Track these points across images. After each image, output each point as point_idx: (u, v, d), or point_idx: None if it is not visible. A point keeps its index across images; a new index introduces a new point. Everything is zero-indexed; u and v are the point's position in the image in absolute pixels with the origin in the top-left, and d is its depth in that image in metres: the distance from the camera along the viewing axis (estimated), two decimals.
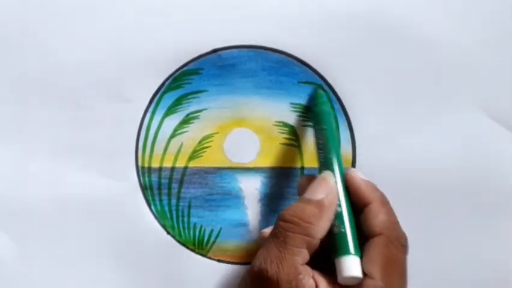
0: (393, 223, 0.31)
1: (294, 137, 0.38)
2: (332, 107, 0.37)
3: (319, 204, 0.30)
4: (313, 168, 0.38)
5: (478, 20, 0.38)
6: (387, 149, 0.38)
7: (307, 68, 0.38)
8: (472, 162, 0.38)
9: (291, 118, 0.38)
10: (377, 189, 0.32)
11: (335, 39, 0.37)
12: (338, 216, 0.31)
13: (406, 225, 0.38)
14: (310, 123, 0.38)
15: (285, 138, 0.38)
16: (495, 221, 0.38)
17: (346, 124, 0.38)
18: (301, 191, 0.33)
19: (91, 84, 0.37)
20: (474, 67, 0.38)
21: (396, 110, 0.38)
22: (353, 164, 0.38)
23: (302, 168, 0.38)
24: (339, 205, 0.31)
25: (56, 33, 0.37)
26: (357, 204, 0.32)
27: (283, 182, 0.38)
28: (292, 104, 0.38)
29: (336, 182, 0.32)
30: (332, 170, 0.32)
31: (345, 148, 0.38)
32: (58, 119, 0.37)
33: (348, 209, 0.31)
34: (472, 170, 0.38)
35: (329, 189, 0.31)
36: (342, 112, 0.38)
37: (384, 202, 0.32)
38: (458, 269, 0.38)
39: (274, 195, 0.38)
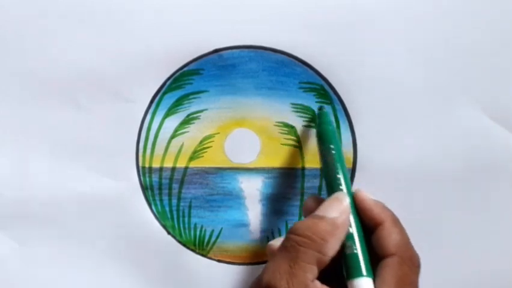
0: (406, 243, 0.31)
1: (295, 138, 0.38)
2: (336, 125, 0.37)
3: (332, 223, 0.30)
4: (314, 169, 0.38)
5: (478, 20, 0.38)
6: (387, 149, 0.38)
7: (308, 68, 0.37)
8: (471, 162, 0.38)
9: (292, 118, 0.38)
10: (387, 209, 0.32)
11: (336, 39, 0.37)
12: (350, 237, 0.31)
13: (407, 225, 0.38)
14: (311, 124, 0.38)
15: (285, 138, 0.38)
16: (496, 221, 0.38)
17: (347, 124, 0.38)
18: (307, 211, 0.33)
19: (91, 84, 0.37)
20: (474, 67, 0.38)
21: (396, 110, 0.38)
22: (354, 164, 0.38)
23: (303, 168, 0.38)
24: (350, 225, 0.31)
25: (56, 34, 0.37)
26: (368, 225, 0.31)
27: (284, 183, 0.38)
28: (293, 104, 0.38)
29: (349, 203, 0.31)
30: (341, 191, 0.32)
31: (346, 148, 0.38)
32: (58, 119, 0.37)
33: (359, 230, 0.31)
34: (472, 170, 0.38)
35: (343, 209, 0.31)
36: (343, 112, 0.38)
37: (396, 221, 0.31)
38: (459, 268, 0.38)
39: (275, 196, 0.38)
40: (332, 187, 0.33)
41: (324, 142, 0.34)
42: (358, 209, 0.32)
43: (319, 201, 0.32)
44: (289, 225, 0.38)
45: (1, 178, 0.37)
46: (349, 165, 0.38)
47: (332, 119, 0.36)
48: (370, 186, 0.37)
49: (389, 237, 0.30)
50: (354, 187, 0.37)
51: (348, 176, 0.33)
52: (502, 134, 0.38)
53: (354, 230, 0.31)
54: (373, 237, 0.31)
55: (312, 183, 0.38)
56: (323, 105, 0.37)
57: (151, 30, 0.37)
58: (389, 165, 0.38)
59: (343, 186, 0.32)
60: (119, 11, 0.37)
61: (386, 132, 0.38)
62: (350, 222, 0.31)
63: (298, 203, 0.38)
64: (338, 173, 0.33)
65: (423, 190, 0.38)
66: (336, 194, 0.32)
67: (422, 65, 0.38)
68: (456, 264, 0.38)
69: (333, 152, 0.34)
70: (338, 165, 0.33)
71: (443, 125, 0.38)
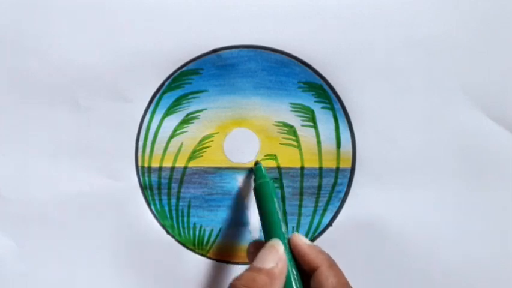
0: (344, 284, 0.31)
1: (294, 137, 0.38)
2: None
3: (270, 273, 0.30)
4: (313, 168, 0.38)
5: (479, 20, 0.38)
6: (386, 148, 0.38)
7: (307, 68, 0.37)
8: (471, 161, 0.38)
9: (291, 118, 0.38)
10: (322, 252, 0.32)
11: (335, 39, 0.37)
12: (288, 283, 0.31)
13: (406, 225, 0.38)
14: (310, 124, 0.38)
15: (284, 138, 0.38)
16: (495, 220, 0.38)
17: (346, 124, 0.38)
18: (251, 257, 0.33)
19: (91, 84, 0.37)
20: (474, 67, 0.38)
21: (396, 109, 0.38)
22: (353, 164, 0.38)
23: (302, 168, 0.38)
24: (288, 272, 0.31)
25: (56, 34, 0.37)
26: (305, 270, 0.31)
27: (283, 182, 0.38)
28: (292, 104, 0.38)
29: (285, 250, 0.31)
30: (278, 236, 0.32)
31: (346, 148, 0.38)
32: (58, 119, 0.37)
33: (297, 276, 0.31)
34: (471, 169, 0.38)
35: (279, 257, 0.31)
36: (342, 112, 0.38)
37: (332, 264, 0.31)
38: (458, 265, 0.38)
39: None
40: (268, 233, 0.33)
41: (263, 194, 0.34)
42: (294, 254, 0.32)
43: (259, 247, 0.32)
44: (288, 224, 0.38)
45: (1, 178, 0.37)
46: (348, 164, 0.38)
47: (265, 172, 0.36)
48: (369, 185, 0.38)
49: (326, 281, 0.30)
50: (354, 187, 0.38)
51: (285, 224, 0.33)
52: (502, 134, 0.38)
53: (292, 277, 0.31)
54: (311, 282, 0.31)
55: (311, 183, 0.38)
56: (257, 160, 0.38)
57: (150, 30, 0.37)
58: (388, 164, 0.38)
59: (280, 232, 0.32)
60: (118, 11, 0.37)
61: (385, 131, 0.38)
62: (287, 269, 0.31)
63: (297, 202, 0.38)
64: (276, 220, 0.33)
65: (422, 189, 0.38)
66: (272, 242, 0.32)
67: (422, 65, 0.38)
68: (455, 262, 0.38)
69: (273, 201, 0.34)
70: (273, 212, 0.33)
71: (442, 125, 0.38)
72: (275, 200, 0.34)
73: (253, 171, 0.36)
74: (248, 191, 0.38)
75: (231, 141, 0.38)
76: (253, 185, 0.36)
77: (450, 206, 0.38)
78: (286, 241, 0.32)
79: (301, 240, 0.32)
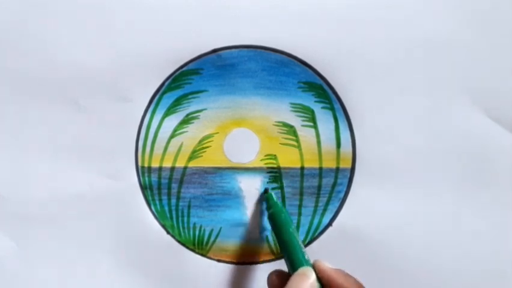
0: None
1: (294, 137, 0.38)
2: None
3: None
4: (313, 168, 0.38)
5: (479, 19, 0.38)
6: (387, 149, 0.38)
7: (307, 68, 0.38)
8: (471, 161, 0.38)
9: (291, 118, 0.38)
10: (349, 276, 0.32)
11: (335, 39, 0.37)
12: None
13: (406, 225, 0.38)
14: (310, 124, 0.38)
15: (284, 138, 0.38)
16: (495, 221, 0.38)
17: (346, 124, 0.38)
18: (274, 286, 0.33)
19: (91, 84, 0.37)
20: (474, 67, 0.38)
21: (396, 109, 0.38)
22: (353, 164, 0.38)
23: (302, 168, 0.38)
24: None
25: (56, 34, 0.37)
26: None
27: (283, 182, 0.38)
28: (292, 104, 0.38)
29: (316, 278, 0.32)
30: (303, 264, 0.32)
31: (345, 148, 0.38)
32: (58, 119, 0.37)
33: None
34: (471, 169, 0.38)
35: (311, 285, 0.31)
36: (342, 112, 0.38)
37: (361, 287, 0.31)
38: (458, 265, 0.38)
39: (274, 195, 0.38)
40: (294, 261, 0.32)
41: (280, 224, 0.35)
42: (321, 280, 0.32)
43: (282, 276, 0.33)
44: None
45: (1, 178, 0.37)
46: (348, 164, 0.38)
47: (277, 200, 0.37)
48: (369, 185, 0.38)
49: None
50: (353, 187, 0.38)
51: (304, 250, 0.34)
52: (502, 134, 0.38)
53: None
54: None
55: (311, 183, 0.38)
56: (267, 187, 0.38)
57: (150, 30, 0.37)
58: (388, 164, 0.38)
59: (304, 260, 0.32)
60: (118, 12, 0.37)
61: (385, 131, 0.38)
62: None
63: (297, 202, 0.38)
64: (299, 248, 0.33)
65: (422, 189, 0.38)
66: (302, 270, 0.32)
67: (422, 65, 0.38)
68: (454, 261, 0.38)
69: (291, 230, 0.34)
70: (295, 242, 0.33)
71: (442, 125, 0.38)
72: (293, 227, 0.34)
73: (265, 199, 0.36)
74: (249, 192, 0.38)
75: (231, 141, 0.38)
76: (256, 187, 0.36)
77: (450, 205, 0.38)
78: (311, 268, 0.32)
79: (325, 265, 0.32)
